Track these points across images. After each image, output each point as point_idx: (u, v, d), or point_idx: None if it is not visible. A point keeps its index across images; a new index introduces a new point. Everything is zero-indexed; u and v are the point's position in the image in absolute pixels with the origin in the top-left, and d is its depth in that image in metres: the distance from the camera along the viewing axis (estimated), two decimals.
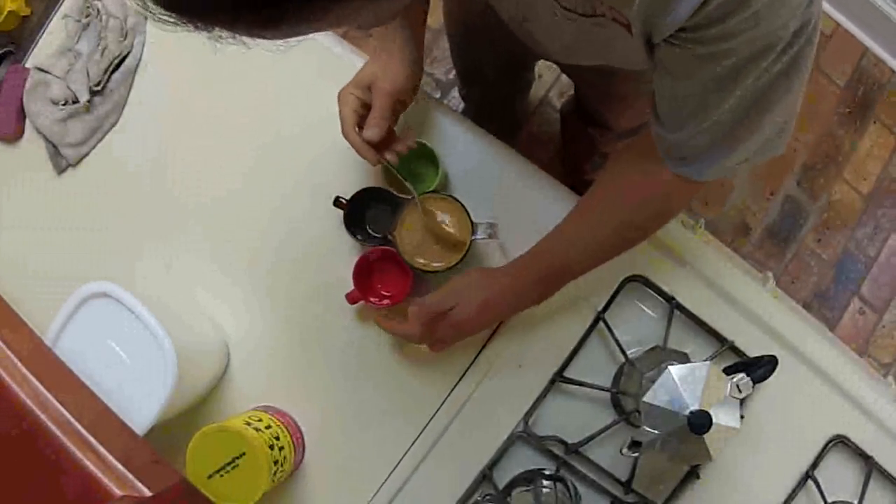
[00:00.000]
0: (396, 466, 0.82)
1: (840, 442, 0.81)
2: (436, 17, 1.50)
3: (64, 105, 0.89)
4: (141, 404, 0.70)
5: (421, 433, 0.82)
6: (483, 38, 1.08)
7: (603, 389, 0.81)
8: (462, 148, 0.87)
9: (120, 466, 0.56)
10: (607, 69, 0.86)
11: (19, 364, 0.60)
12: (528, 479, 0.78)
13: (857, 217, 1.79)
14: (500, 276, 0.72)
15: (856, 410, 0.82)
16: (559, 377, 0.82)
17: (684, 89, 0.54)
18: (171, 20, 0.32)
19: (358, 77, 0.75)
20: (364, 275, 0.82)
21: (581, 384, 0.81)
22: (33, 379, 0.60)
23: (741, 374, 0.68)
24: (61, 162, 0.90)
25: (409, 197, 0.77)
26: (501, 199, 0.83)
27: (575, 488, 0.76)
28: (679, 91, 0.55)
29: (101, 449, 0.57)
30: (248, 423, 0.73)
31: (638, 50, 0.56)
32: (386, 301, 0.82)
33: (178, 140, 0.90)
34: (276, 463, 0.72)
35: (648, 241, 0.84)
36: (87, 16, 0.91)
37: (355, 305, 0.83)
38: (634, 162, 0.69)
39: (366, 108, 0.74)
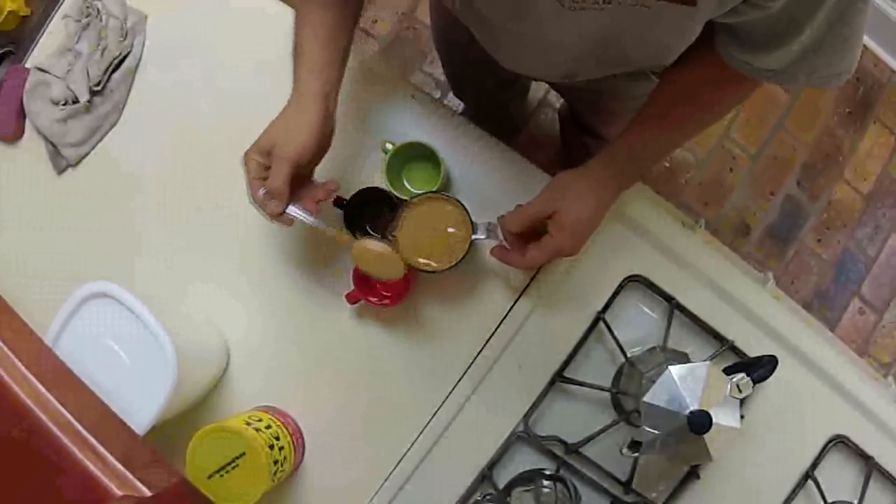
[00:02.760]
0: (396, 466, 0.82)
1: (840, 442, 0.81)
2: None
3: (64, 105, 0.89)
4: (141, 404, 0.70)
5: (421, 433, 0.82)
6: (470, 55, 1.07)
7: (603, 389, 0.81)
8: (462, 148, 0.86)
9: (120, 466, 0.56)
10: (594, 87, 0.86)
11: (19, 364, 0.60)
12: (528, 479, 0.78)
13: (857, 217, 1.79)
14: (591, 168, 0.72)
15: (856, 410, 0.82)
16: (559, 377, 0.82)
17: (769, 17, 0.55)
18: None
19: (260, 142, 0.70)
20: (364, 275, 0.82)
21: (581, 384, 0.81)
22: (33, 379, 0.59)
23: (741, 374, 0.69)
24: (61, 162, 0.90)
25: (407, 198, 0.77)
26: (501, 199, 0.83)
27: (575, 488, 0.76)
28: (765, 18, 0.55)
29: (101, 449, 0.57)
30: (248, 423, 0.73)
31: (667, 34, 0.57)
32: (386, 301, 0.82)
33: (178, 140, 0.90)
34: (276, 463, 0.72)
35: (648, 241, 0.84)
36: (87, 16, 0.91)
37: (355, 305, 0.83)
38: (707, 79, 0.69)
39: (269, 171, 0.70)
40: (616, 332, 0.81)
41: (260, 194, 0.70)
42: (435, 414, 0.82)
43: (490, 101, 1.39)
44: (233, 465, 0.70)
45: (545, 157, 1.72)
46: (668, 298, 0.82)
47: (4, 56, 0.97)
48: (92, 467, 0.55)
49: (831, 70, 0.60)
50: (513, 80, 1.30)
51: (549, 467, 0.81)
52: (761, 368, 0.69)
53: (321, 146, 0.71)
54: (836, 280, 1.77)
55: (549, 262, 0.83)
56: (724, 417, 0.67)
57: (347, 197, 0.81)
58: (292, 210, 0.71)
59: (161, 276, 0.88)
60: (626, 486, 0.81)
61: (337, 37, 0.72)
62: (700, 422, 0.66)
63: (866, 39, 1.80)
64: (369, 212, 0.84)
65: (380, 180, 0.85)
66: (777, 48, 0.58)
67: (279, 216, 0.71)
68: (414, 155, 0.85)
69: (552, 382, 0.82)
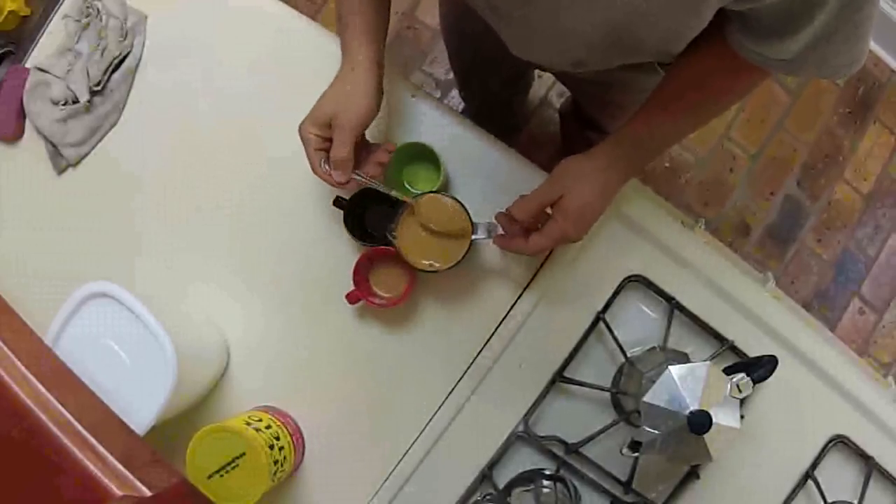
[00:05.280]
0: (396, 466, 0.82)
1: (840, 442, 0.81)
2: (435, 16, 1.49)
3: (64, 105, 0.89)
4: (141, 404, 0.70)
5: (421, 433, 0.82)
6: (480, 47, 1.07)
7: (603, 389, 0.81)
8: (462, 148, 0.86)
9: (120, 466, 0.56)
10: (603, 79, 0.86)
11: (19, 364, 0.60)
12: (528, 479, 0.78)
13: (857, 217, 1.79)
14: (597, 153, 0.72)
15: (856, 411, 0.82)
16: (559, 377, 0.82)
17: (782, 0, 0.55)
18: None
19: (317, 113, 0.72)
20: (364, 275, 0.82)
21: (581, 384, 0.81)
22: (33, 379, 0.59)
23: (741, 374, 0.69)
24: (61, 162, 0.90)
25: (407, 198, 0.77)
26: (501, 199, 0.83)
27: (575, 488, 0.76)
28: (777, 4, 0.55)
29: (101, 449, 0.57)
30: (248, 423, 0.73)
31: (680, 14, 0.57)
32: (386, 301, 0.82)
33: (178, 140, 0.90)
34: (276, 463, 0.72)
35: (648, 241, 0.84)
36: (87, 16, 0.91)
37: (355, 305, 0.83)
38: (717, 67, 0.68)
39: (329, 142, 0.72)
40: (616, 332, 0.81)
41: (323, 167, 0.71)
42: (435, 414, 0.82)
43: (494, 97, 1.39)
44: (233, 465, 0.70)
45: (545, 157, 1.70)
46: (668, 298, 0.82)
47: (4, 56, 0.97)
48: (92, 467, 0.55)
49: (841, 60, 0.60)
50: (519, 76, 1.30)
51: (549, 467, 0.81)
52: (761, 368, 0.69)
53: (376, 113, 0.73)
54: (836, 280, 1.77)
55: (555, 250, 0.83)
56: (724, 417, 0.67)
57: (347, 197, 0.81)
58: (355, 177, 0.73)
59: (161, 276, 0.88)
60: (626, 486, 0.81)
61: (381, 4, 0.75)
62: (700, 422, 0.66)
63: None
64: (369, 212, 0.84)
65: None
66: (788, 36, 0.57)
67: (345, 183, 0.72)
68: (414, 155, 0.85)
69: (552, 382, 0.82)
